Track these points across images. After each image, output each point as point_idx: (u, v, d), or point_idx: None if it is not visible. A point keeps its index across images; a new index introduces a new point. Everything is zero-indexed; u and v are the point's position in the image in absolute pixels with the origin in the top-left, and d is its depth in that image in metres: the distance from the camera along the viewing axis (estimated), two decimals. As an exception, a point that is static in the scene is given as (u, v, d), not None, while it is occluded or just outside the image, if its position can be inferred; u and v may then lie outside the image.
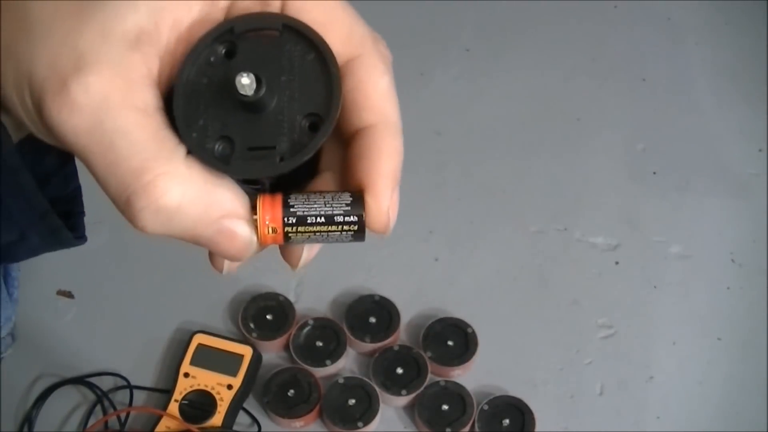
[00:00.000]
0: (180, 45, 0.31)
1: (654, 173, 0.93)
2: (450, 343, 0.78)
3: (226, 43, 0.31)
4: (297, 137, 0.31)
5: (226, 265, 0.35)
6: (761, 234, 0.88)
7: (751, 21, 1.06)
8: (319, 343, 0.78)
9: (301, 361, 0.77)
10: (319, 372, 0.77)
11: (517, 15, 1.07)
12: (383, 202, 0.32)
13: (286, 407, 0.75)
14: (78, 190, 0.45)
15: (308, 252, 0.35)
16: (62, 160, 0.42)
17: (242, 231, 0.32)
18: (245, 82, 0.30)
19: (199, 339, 0.77)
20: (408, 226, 0.89)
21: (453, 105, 0.99)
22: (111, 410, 0.75)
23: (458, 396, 0.75)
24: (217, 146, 0.31)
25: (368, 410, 0.74)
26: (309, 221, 0.32)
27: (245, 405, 0.76)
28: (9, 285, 0.76)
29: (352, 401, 0.75)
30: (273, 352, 0.80)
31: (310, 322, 0.79)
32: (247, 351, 0.77)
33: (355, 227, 0.32)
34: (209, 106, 0.31)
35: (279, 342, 0.79)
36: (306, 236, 0.32)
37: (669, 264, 0.86)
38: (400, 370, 0.76)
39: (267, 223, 0.32)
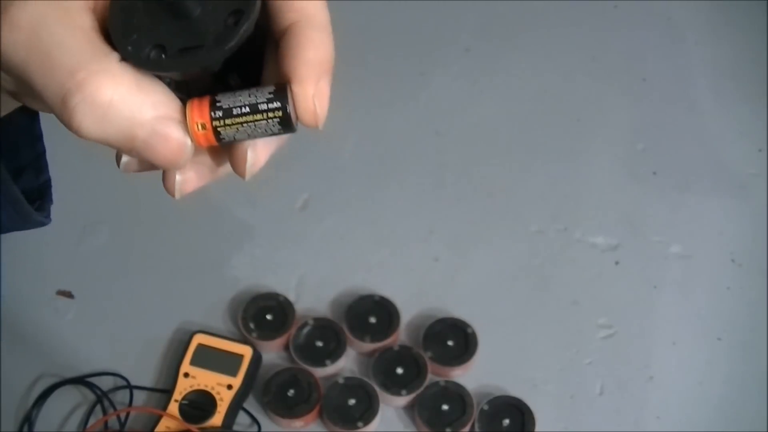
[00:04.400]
0: None
1: (654, 173, 0.93)
2: (450, 343, 0.78)
3: None
4: (223, 33, 0.33)
5: (178, 185, 0.36)
6: (761, 234, 0.88)
7: (751, 21, 1.06)
8: (319, 343, 0.78)
9: (301, 361, 0.77)
10: (319, 372, 0.77)
11: (517, 15, 1.07)
12: (307, 88, 0.33)
13: (286, 407, 0.75)
14: (48, 182, 0.49)
15: (253, 154, 0.35)
16: (36, 153, 0.46)
17: (175, 132, 0.33)
18: None
19: (199, 339, 0.77)
20: (408, 226, 0.89)
21: (453, 105, 0.99)
22: (111, 410, 0.75)
23: (458, 396, 0.75)
24: (150, 53, 0.33)
25: (368, 410, 0.74)
26: (235, 112, 0.33)
27: (245, 405, 0.76)
28: None
29: (352, 401, 0.75)
30: (273, 352, 0.80)
31: (310, 322, 0.79)
32: (247, 351, 0.77)
33: (280, 113, 0.33)
34: (142, 21, 0.33)
35: (279, 342, 0.79)
36: (235, 129, 0.33)
37: (669, 264, 0.86)
38: (400, 370, 0.76)
39: (196, 119, 0.33)
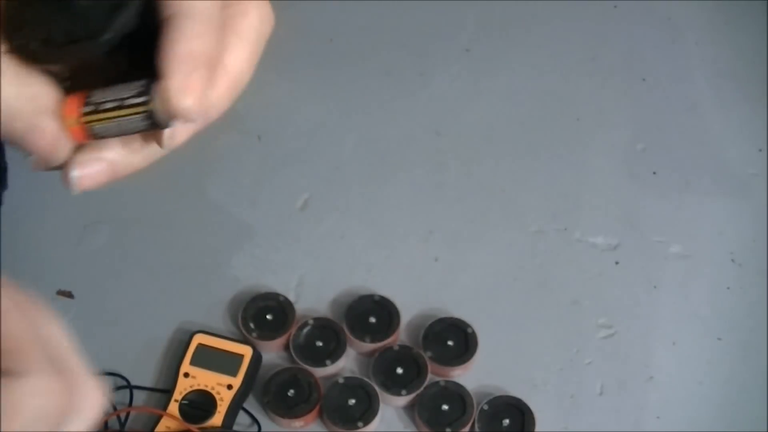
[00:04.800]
0: None
1: (654, 173, 0.93)
2: (450, 343, 0.78)
3: None
4: (103, 26, 0.33)
5: (74, 180, 0.35)
6: (761, 234, 0.88)
7: (751, 21, 1.05)
8: (319, 343, 0.78)
9: (301, 361, 0.77)
10: (319, 372, 0.77)
11: (517, 15, 1.07)
12: (172, 82, 0.32)
13: (286, 407, 0.75)
14: (5, 167, 0.51)
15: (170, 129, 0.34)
16: None
17: (50, 125, 0.33)
18: None
19: (199, 339, 0.77)
20: (408, 226, 0.89)
21: (453, 105, 0.99)
22: (111, 410, 0.75)
23: (458, 396, 0.75)
24: (38, 46, 0.33)
25: (368, 410, 0.74)
26: (103, 107, 0.33)
27: (245, 405, 0.76)
28: None
29: (352, 401, 0.75)
30: (273, 352, 0.80)
31: (310, 322, 0.79)
32: (247, 351, 0.77)
33: (145, 108, 0.33)
34: (35, 15, 0.33)
35: (279, 342, 0.79)
36: (106, 124, 0.33)
37: (669, 264, 0.86)
38: (400, 370, 0.76)
39: (68, 114, 0.33)
